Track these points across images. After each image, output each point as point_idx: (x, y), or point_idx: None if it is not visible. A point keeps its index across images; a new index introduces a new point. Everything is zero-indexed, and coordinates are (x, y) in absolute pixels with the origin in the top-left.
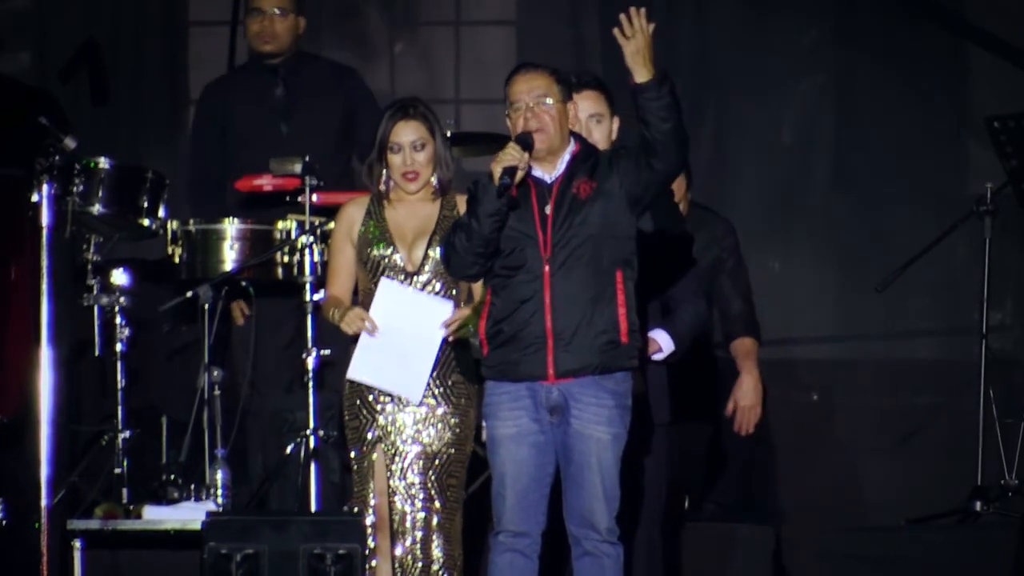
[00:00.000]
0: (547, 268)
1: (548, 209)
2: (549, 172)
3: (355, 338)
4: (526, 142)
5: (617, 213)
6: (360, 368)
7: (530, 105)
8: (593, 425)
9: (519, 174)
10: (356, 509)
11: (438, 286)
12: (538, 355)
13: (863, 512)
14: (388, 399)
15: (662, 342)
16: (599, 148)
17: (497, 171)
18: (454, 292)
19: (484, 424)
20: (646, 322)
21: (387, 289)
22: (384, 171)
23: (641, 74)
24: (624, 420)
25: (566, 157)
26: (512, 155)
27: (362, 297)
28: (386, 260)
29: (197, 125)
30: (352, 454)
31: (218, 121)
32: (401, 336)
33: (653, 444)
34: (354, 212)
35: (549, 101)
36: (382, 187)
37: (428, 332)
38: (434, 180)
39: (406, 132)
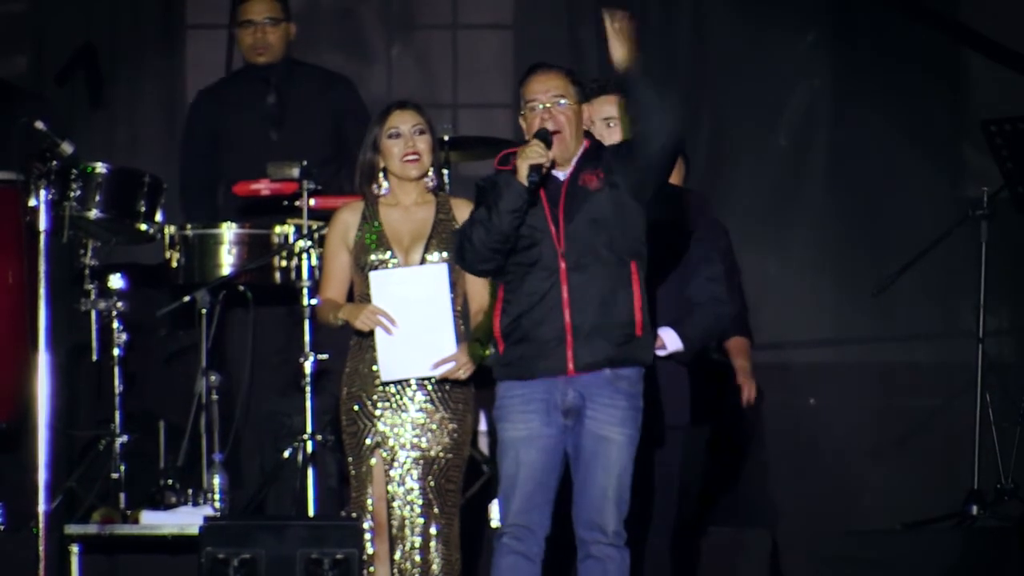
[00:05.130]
0: (563, 263)
1: (559, 203)
2: (562, 170)
3: (358, 334)
4: (546, 138)
5: (625, 203)
6: (390, 368)
7: (547, 106)
8: (608, 426)
9: (544, 170)
10: (355, 515)
11: None
12: (558, 351)
13: (859, 516)
14: (386, 404)
15: (667, 339)
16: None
17: (524, 168)
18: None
19: (478, 429)
20: (655, 317)
21: (379, 280)
22: (380, 172)
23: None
24: (637, 422)
25: (577, 156)
26: (538, 151)
27: (359, 302)
28: (384, 266)
29: (188, 132)
30: (350, 460)
31: (209, 128)
32: (413, 318)
33: (667, 447)
34: (349, 217)
35: (565, 102)
36: (379, 190)
37: (436, 300)
38: (431, 175)
39: (405, 118)
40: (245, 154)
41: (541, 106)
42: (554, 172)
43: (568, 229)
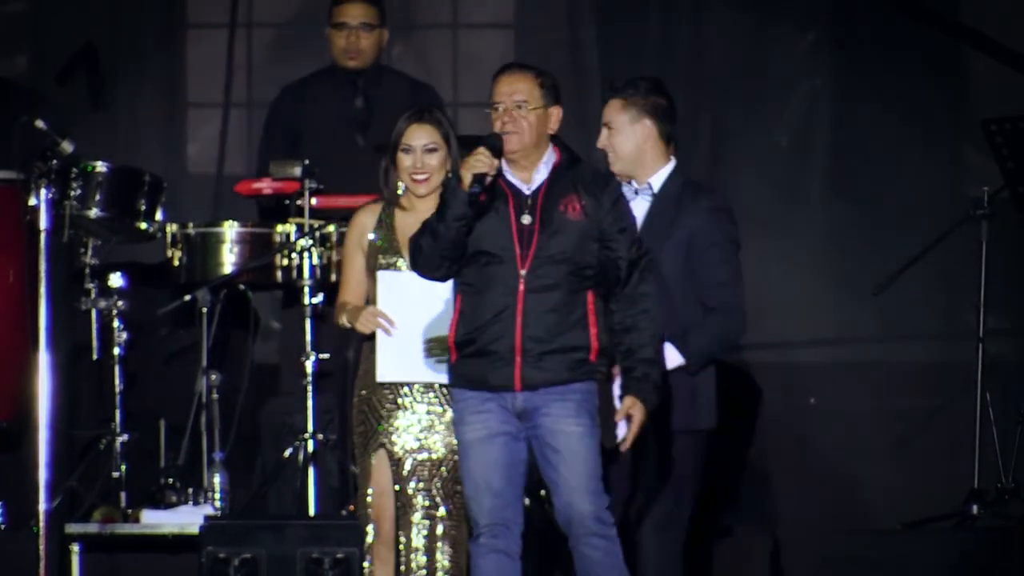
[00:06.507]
0: (522, 284)
1: (526, 219)
2: (526, 181)
3: (366, 338)
4: (495, 146)
5: (592, 238)
6: (387, 369)
7: (508, 108)
8: (563, 419)
9: (488, 179)
10: (358, 514)
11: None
12: (506, 370)
13: (860, 515)
14: (394, 406)
15: (668, 355)
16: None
17: (467, 177)
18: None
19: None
20: (673, 322)
21: (386, 281)
22: (396, 178)
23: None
24: (592, 415)
25: (544, 167)
26: (483, 161)
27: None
28: (392, 269)
29: (268, 128)
30: (356, 460)
31: (292, 125)
32: (415, 321)
33: (692, 449)
34: (366, 220)
35: (528, 106)
36: (397, 190)
37: (438, 306)
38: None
39: (418, 135)
40: (331, 159)
41: (502, 107)
42: (515, 182)
43: (535, 251)
